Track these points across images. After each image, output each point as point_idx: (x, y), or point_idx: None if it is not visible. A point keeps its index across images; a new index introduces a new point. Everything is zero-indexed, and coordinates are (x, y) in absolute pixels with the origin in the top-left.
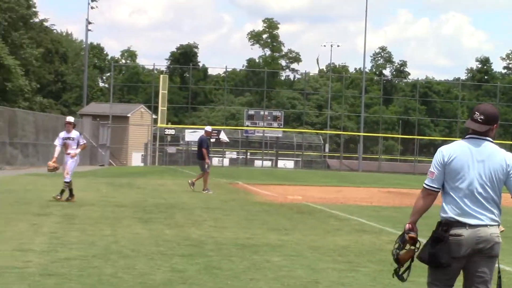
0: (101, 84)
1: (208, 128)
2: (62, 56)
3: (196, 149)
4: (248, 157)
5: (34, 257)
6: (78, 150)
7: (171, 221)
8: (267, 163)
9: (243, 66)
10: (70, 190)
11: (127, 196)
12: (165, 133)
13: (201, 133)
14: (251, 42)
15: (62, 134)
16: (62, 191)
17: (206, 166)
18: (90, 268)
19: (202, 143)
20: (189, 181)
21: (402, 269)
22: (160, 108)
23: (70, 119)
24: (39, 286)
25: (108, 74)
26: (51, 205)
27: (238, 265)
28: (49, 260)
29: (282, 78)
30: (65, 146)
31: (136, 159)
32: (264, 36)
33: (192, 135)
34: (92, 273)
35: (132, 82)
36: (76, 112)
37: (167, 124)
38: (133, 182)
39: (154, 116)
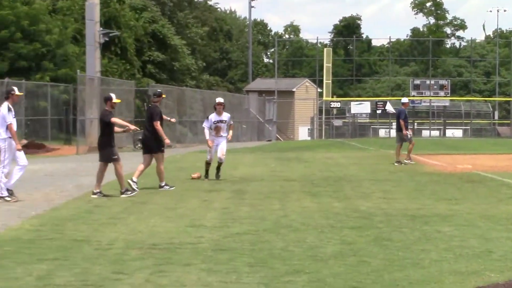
0: (265, 60)
1: (405, 99)
2: (227, 34)
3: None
4: (415, 127)
5: (206, 233)
6: (231, 133)
7: (340, 194)
8: (435, 133)
9: (407, 36)
10: (206, 171)
11: (295, 170)
12: (331, 106)
13: (366, 105)
14: (414, 11)
15: (213, 116)
16: (219, 169)
17: (407, 136)
18: (261, 242)
19: (400, 114)
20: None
21: None
22: (325, 81)
23: (221, 100)
24: (212, 261)
25: (272, 49)
26: (221, 182)
27: (409, 236)
28: (221, 235)
29: (448, 46)
30: (216, 129)
31: (302, 133)
32: (428, 4)
33: (358, 107)
34: (263, 247)
35: (296, 57)
36: (242, 88)
37: (332, 97)
38: (300, 156)
39: (319, 90)
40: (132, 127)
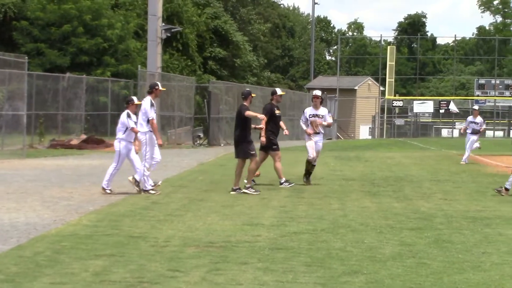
0: (328, 58)
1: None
2: (289, 30)
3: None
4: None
5: (263, 231)
6: (329, 121)
7: (400, 194)
8: (499, 133)
9: (473, 34)
10: (308, 172)
11: (355, 169)
12: (393, 105)
13: (429, 104)
14: (481, 9)
15: (308, 110)
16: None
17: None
18: (319, 242)
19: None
20: None
21: None
22: (387, 79)
23: (318, 92)
24: (269, 260)
25: (335, 47)
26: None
27: (469, 238)
28: (278, 234)
29: None
30: (311, 124)
31: (363, 131)
32: (495, 2)
33: (421, 106)
34: (321, 247)
35: (359, 54)
36: (303, 86)
37: (394, 95)
38: (361, 155)
39: (381, 88)
40: (261, 116)
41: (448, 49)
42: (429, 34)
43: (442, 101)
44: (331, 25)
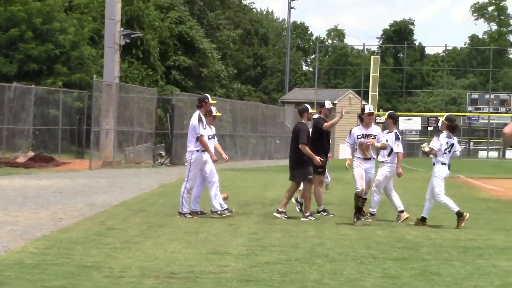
0: (304, 68)
1: None
2: (262, 37)
3: None
4: (471, 147)
5: (231, 261)
6: (378, 145)
7: (383, 220)
8: (493, 154)
9: (465, 44)
10: (358, 208)
11: (334, 192)
12: (377, 121)
13: (417, 121)
14: (474, 16)
15: (357, 129)
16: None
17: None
18: (293, 273)
19: None
20: None
21: None
22: (370, 93)
23: (371, 108)
24: None
25: (313, 56)
26: (250, 204)
27: (460, 270)
28: (247, 264)
29: (511, 56)
30: (360, 146)
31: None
32: (490, 8)
33: (407, 123)
34: (295, 279)
35: (340, 65)
36: (277, 99)
37: (378, 111)
38: (340, 176)
39: (364, 102)
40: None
41: (438, 59)
42: (417, 43)
43: (430, 117)
44: (309, 32)
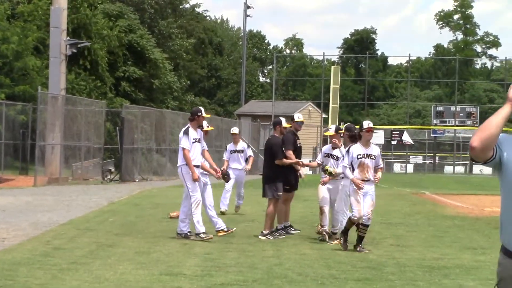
0: (261, 79)
1: None
2: (217, 47)
3: None
4: (437, 161)
5: (185, 283)
6: (379, 174)
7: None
8: (460, 169)
9: (429, 54)
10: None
11: (293, 210)
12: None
13: (379, 134)
14: (439, 24)
15: (356, 148)
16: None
17: None
18: None
19: None
20: None
21: None
22: (331, 105)
23: (370, 123)
24: None
25: (270, 67)
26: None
27: None
28: (202, 286)
29: (477, 66)
30: (361, 167)
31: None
32: (456, 17)
33: None
34: None
35: (298, 76)
36: (233, 112)
37: (340, 124)
38: (300, 193)
39: (324, 115)
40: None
41: (402, 70)
42: (379, 52)
43: (394, 130)
44: (266, 41)
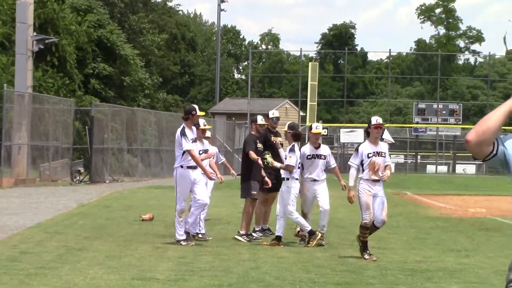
0: (236, 76)
1: None
2: (190, 42)
3: None
4: (419, 161)
5: (157, 287)
6: (388, 173)
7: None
8: (443, 168)
9: (411, 49)
10: (364, 243)
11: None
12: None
13: (359, 133)
14: (420, 18)
15: (365, 146)
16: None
17: None
18: None
19: None
20: None
21: None
22: (309, 103)
23: (379, 119)
24: None
25: (246, 63)
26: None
27: None
28: None
29: (460, 62)
30: (371, 165)
31: None
32: (437, 11)
33: (349, 135)
34: None
35: (275, 72)
36: (207, 110)
37: (317, 122)
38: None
39: (301, 113)
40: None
41: (382, 66)
42: (358, 48)
43: None
44: (241, 36)
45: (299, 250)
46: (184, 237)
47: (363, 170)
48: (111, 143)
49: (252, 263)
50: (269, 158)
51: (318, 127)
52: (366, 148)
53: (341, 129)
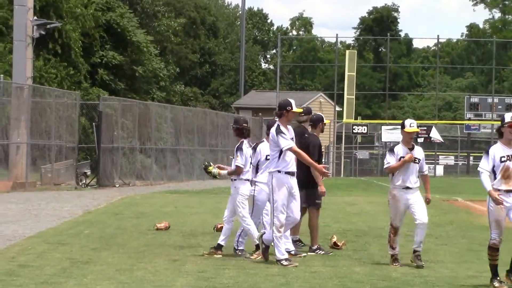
0: (264, 66)
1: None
2: (210, 28)
3: None
4: (471, 162)
5: None
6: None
7: (363, 254)
8: None
9: (462, 36)
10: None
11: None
12: (354, 131)
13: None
14: (473, 1)
15: (498, 149)
16: None
17: None
18: None
19: None
20: None
21: None
22: (346, 96)
23: (413, 124)
24: None
25: (274, 51)
26: (197, 234)
27: None
28: None
29: None
30: (505, 173)
31: None
32: None
33: (392, 134)
34: None
35: (307, 62)
36: (230, 104)
37: (356, 119)
38: None
39: (338, 108)
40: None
41: (429, 55)
42: (402, 34)
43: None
44: (269, 20)
45: (335, 264)
46: (286, 256)
47: (495, 178)
48: (121, 142)
49: (281, 278)
50: (213, 169)
51: (412, 125)
52: (498, 150)
53: (382, 126)
